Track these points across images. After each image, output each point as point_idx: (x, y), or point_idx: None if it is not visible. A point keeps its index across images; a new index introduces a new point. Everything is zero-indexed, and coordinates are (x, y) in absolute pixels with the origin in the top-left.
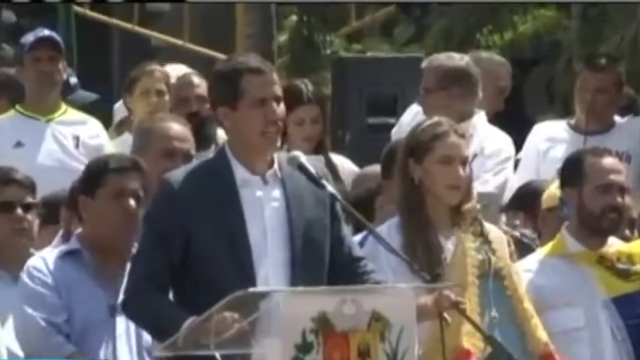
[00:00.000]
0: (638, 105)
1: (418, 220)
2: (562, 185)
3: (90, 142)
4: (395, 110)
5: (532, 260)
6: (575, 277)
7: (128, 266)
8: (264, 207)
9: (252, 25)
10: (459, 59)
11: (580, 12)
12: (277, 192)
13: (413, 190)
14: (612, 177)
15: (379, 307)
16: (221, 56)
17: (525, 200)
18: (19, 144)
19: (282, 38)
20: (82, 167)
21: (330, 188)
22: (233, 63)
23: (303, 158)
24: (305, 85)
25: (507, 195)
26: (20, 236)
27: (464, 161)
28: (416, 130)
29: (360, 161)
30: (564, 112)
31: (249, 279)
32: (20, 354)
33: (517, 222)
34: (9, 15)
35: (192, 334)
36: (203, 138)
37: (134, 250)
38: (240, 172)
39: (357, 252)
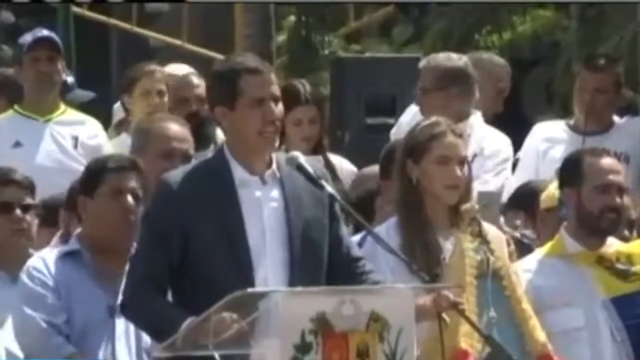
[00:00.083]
0: (637, 105)
1: (416, 220)
2: (561, 185)
3: (89, 142)
4: (394, 110)
5: (531, 261)
6: (574, 278)
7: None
8: (262, 207)
9: (251, 26)
10: (457, 59)
11: (579, 12)
12: (275, 192)
13: (411, 191)
14: (611, 177)
15: (378, 308)
16: (220, 56)
17: (524, 200)
18: (17, 144)
19: (281, 38)
20: (80, 168)
21: (329, 188)
22: (231, 63)
23: (302, 158)
24: (303, 86)
25: (506, 195)
26: (19, 237)
27: (462, 161)
28: (414, 130)
29: (359, 161)
30: (563, 112)
31: (248, 279)
32: (20, 354)
33: (518, 222)
34: (8, 16)
35: (191, 334)
36: (202, 138)
37: (133, 250)
38: (238, 172)
39: (356, 252)
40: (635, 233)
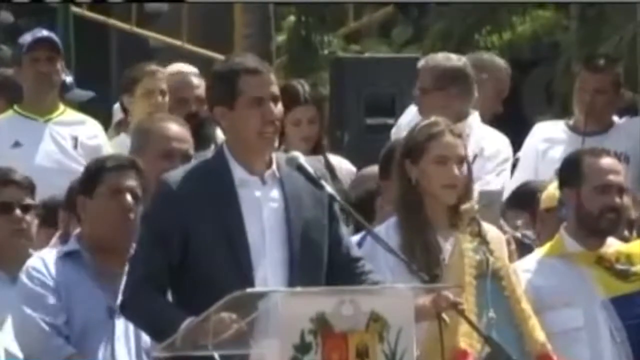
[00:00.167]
0: (637, 106)
1: (416, 220)
2: (561, 185)
3: (89, 142)
4: (394, 110)
5: (531, 261)
6: (574, 278)
7: (127, 267)
8: (262, 208)
9: (251, 26)
10: (456, 59)
11: (579, 12)
12: (275, 193)
13: (410, 191)
14: (611, 177)
15: (378, 308)
16: (219, 56)
17: (522, 200)
18: (17, 144)
19: (281, 38)
20: (80, 168)
21: (328, 188)
22: (230, 63)
23: (302, 158)
24: (302, 86)
25: (505, 195)
26: (19, 237)
27: (460, 161)
28: (413, 130)
29: (358, 161)
30: (563, 112)
31: (247, 279)
32: (20, 355)
33: (519, 222)
34: (7, 16)
35: (191, 334)
36: (202, 139)
37: (132, 250)
38: (238, 172)
39: (355, 252)
40: (635, 233)
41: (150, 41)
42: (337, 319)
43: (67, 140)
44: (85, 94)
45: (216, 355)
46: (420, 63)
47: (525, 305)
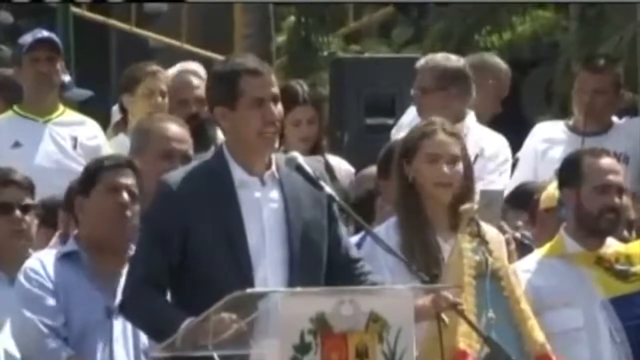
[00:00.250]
0: (637, 106)
1: (416, 220)
2: (560, 185)
3: (88, 143)
4: (394, 110)
5: (530, 261)
6: (573, 278)
7: (125, 267)
8: (262, 208)
9: (250, 26)
10: (455, 60)
11: (579, 12)
12: (275, 193)
13: (409, 190)
14: (610, 177)
15: (377, 308)
16: (219, 57)
17: (520, 201)
18: (16, 145)
19: (280, 39)
20: (80, 168)
21: (327, 189)
22: (231, 64)
23: (301, 159)
24: (301, 86)
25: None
26: (19, 237)
27: (453, 159)
28: (412, 131)
29: (358, 162)
30: (562, 113)
31: (247, 279)
32: (18, 355)
33: (520, 223)
34: (7, 16)
35: (191, 334)
36: (203, 139)
37: (130, 251)
38: (238, 173)
39: (354, 253)
40: (634, 234)
41: (150, 41)
42: (336, 319)
43: (67, 141)
44: (84, 93)
45: (216, 355)
46: (420, 63)
47: (525, 306)
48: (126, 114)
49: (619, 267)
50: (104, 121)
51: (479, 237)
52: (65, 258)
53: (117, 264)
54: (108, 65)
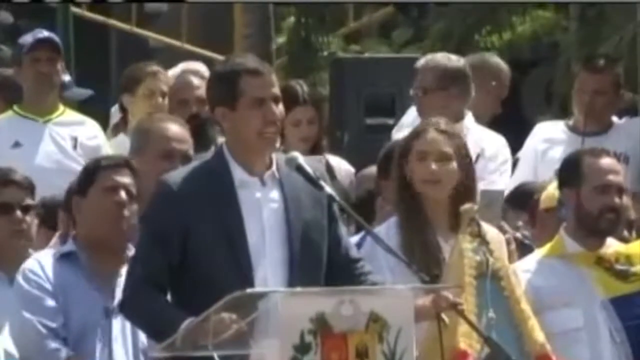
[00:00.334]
0: (637, 106)
1: (416, 220)
2: (560, 185)
3: (88, 143)
4: (394, 110)
5: (531, 261)
6: (573, 278)
7: (124, 267)
8: (262, 208)
9: (250, 26)
10: (456, 60)
11: (579, 12)
12: (275, 194)
13: (408, 191)
14: (610, 177)
15: (377, 308)
16: (219, 57)
17: (519, 201)
18: (17, 145)
19: (280, 39)
20: (79, 168)
21: (328, 189)
22: (231, 64)
23: (301, 159)
24: (301, 86)
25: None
26: (19, 237)
27: (443, 157)
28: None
29: (358, 162)
30: (562, 113)
31: (247, 279)
32: (17, 355)
33: (520, 223)
34: (7, 16)
35: (191, 334)
36: (203, 139)
37: (129, 251)
38: (238, 173)
39: (355, 253)
40: (634, 233)
41: (150, 41)
42: (336, 319)
43: (67, 141)
44: (84, 92)
45: (216, 355)
46: (420, 63)
47: (525, 306)
48: (126, 114)
49: (619, 267)
50: (104, 121)
51: (480, 237)
52: (63, 258)
53: (115, 263)
54: (108, 65)
